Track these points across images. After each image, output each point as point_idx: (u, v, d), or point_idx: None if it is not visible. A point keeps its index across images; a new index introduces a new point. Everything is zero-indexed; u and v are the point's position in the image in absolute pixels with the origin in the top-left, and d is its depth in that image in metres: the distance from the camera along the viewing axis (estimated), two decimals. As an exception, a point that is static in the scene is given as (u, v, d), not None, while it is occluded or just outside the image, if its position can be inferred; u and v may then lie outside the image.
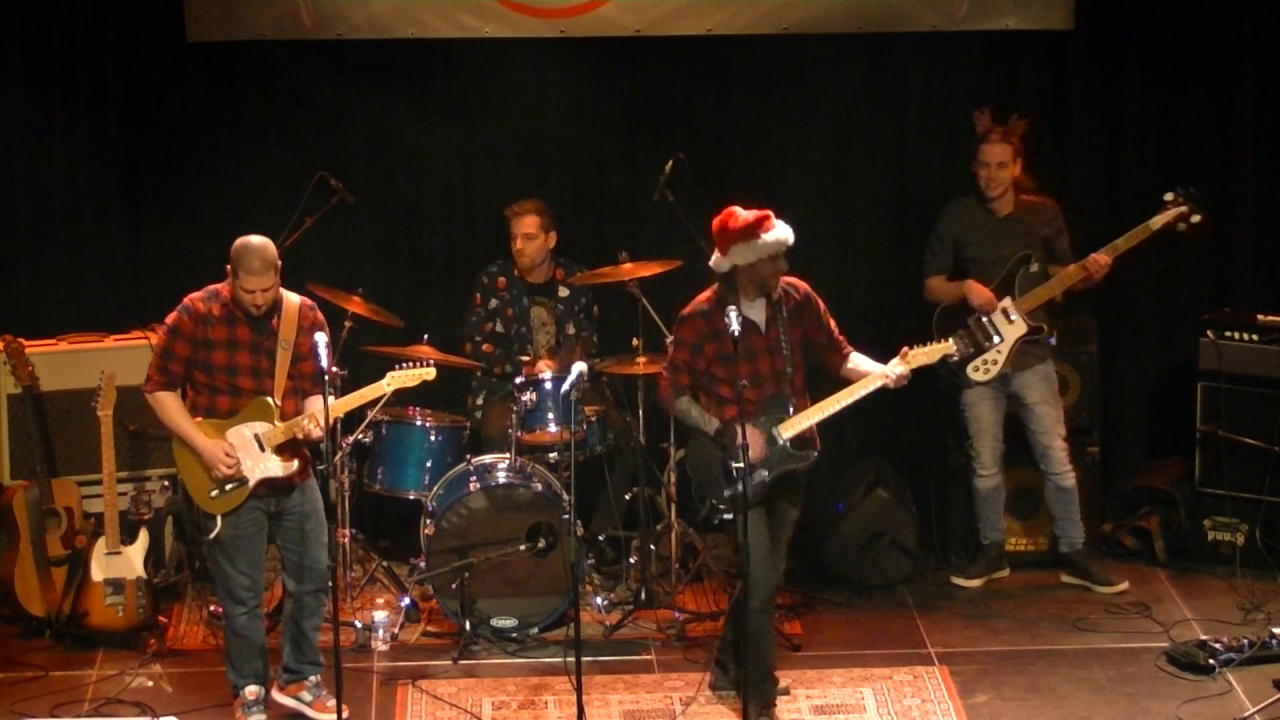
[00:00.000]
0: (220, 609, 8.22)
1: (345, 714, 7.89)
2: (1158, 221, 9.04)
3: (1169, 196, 9.08)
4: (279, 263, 7.84)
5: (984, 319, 9.16)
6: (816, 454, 7.98)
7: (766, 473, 7.86)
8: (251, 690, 8.05)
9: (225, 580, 7.95)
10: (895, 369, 7.89)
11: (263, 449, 7.86)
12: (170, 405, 7.86)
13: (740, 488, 7.60)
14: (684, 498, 9.02)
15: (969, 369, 9.20)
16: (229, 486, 7.85)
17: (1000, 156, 9.13)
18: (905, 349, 7.92)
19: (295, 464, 7.90)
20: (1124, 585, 9.33)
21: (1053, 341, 9.32)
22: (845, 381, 8.00)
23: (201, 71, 9.76)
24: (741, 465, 7.55)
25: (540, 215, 9.39)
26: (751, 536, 7.67)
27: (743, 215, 7.86)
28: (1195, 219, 9.05)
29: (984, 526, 9.47)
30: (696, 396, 7.94)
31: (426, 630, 9.01)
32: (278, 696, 8.18)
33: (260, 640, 8.07)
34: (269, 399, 7.86)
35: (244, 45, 9.68)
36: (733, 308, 7.74)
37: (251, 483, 7.86)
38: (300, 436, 7.85)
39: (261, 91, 9.83)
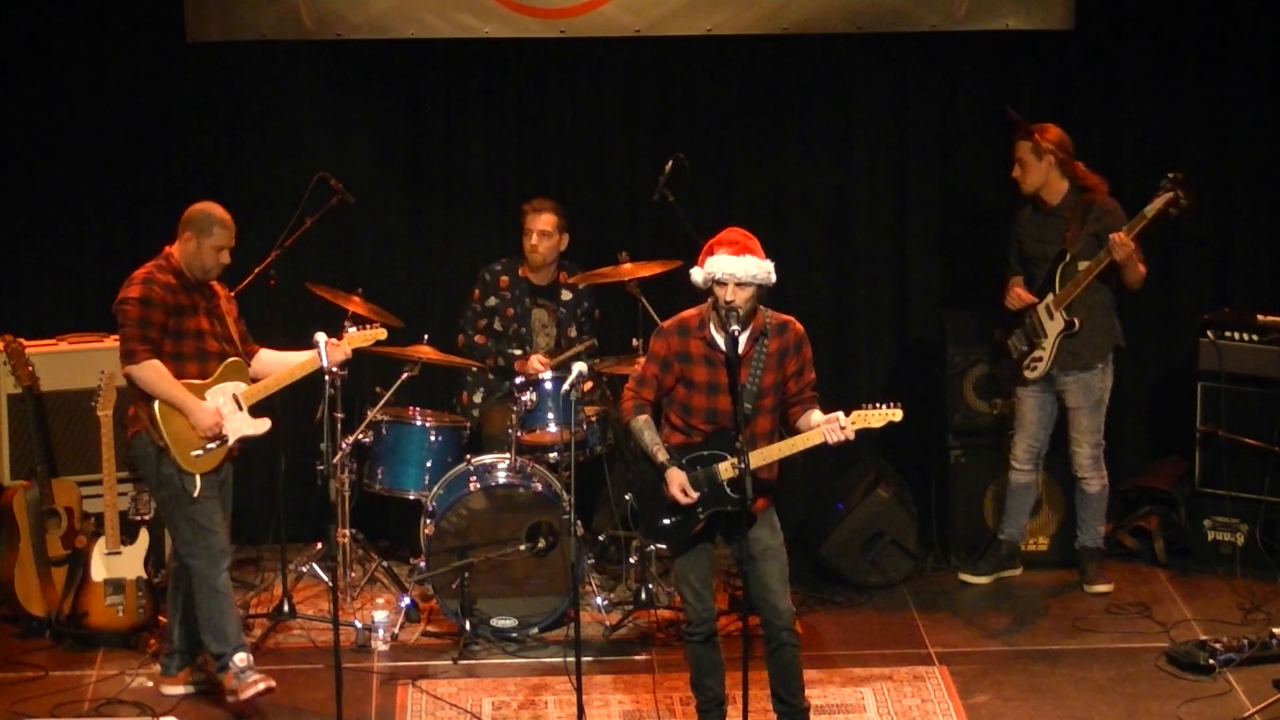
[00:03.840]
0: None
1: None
2: (1151, 209, 9.01)
3: (1162, 183, 9.04)
4: None
5: (1030, 317, 9.18)
6: (748, 503, 7.32)
7: (700, 510, 7.54)
8: (241, 657, 8.09)
9: (206, 539, 8.03)
10: (838, 433, 7.40)
11: (240, 408, 8.05)
12: (159, 370, 7.96)
13: (678, 519, 7.55)
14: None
15: (1024, 367, 9.24)
16: (210, 445, 8.00)
17: (1018, 153, 9.13)
18: (840, 413, 7.42)
19: (268, 423, 8.12)
20: (1104, 587, 9.35)
21: (1122, 344, 9.31)
22: (797, 430, 7.57)
23: (201, 71, 9.76)
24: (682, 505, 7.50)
25: (557, 215, 9.39)
26: (689, 570, 7.62)
27: (726, 235, 7.51)
28: (1184, 203, 9.02)
29: (1004, 522, 9.48)
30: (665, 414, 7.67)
31: (426, 630, 9.02)
32: (166, 689, 8.29)
33: (233, 599, 8.18)
34: (241, 360, 8.09)
35: (244, 45, 9.69)
36: (736, 326, 7.41)
37: (232, 440, 8.05)
38: (345, 356, 8.09)
39: (261, 91, 9.84)
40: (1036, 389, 9.30)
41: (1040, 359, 9.21)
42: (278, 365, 8.19)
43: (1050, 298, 9.16)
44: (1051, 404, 9.32)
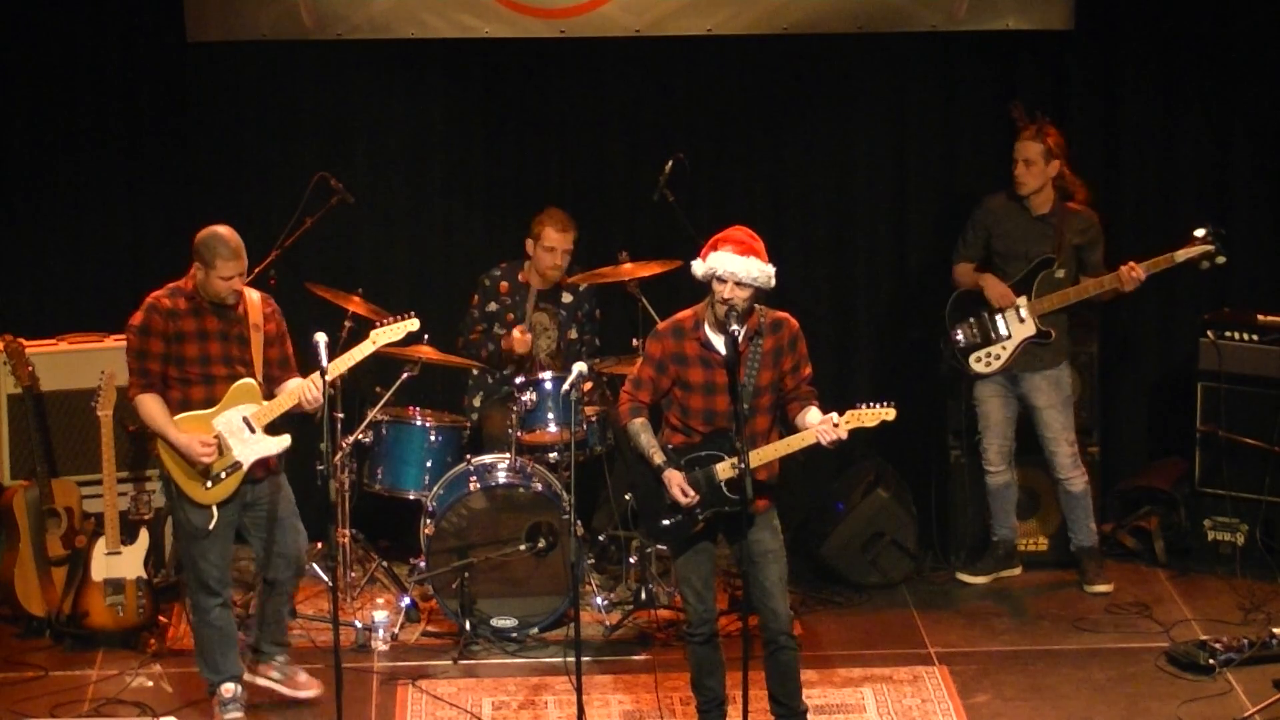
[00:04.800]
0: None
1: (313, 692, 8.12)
2: (1182, 255, 9.03)
3: (1199, 233, 9.04)
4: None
5: (988, 312, 9.17)
6: (747, 503, 7.31)
7: (698, 511, 7.54)
8: (228, 688, 8.06)
9: (198, 572, 7.98)
10: (832, 433, 7.41)
11: (253, 430, 7.91)
12: (152, 407, 7.90)
13: (678, 519, 7.55)
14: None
15: (971, 359, 9.23)
16: (223, 474, 7.88)
17: (1027, 154, 9.12)
18: (834, 413, 7.44)
19: (287, 440, 7.95)
20: (1104, 587, 9.35)
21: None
22: (796, 429, 7.57)
23: (201, 71, 9.76)
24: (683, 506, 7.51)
25: (576, 234, 9.38)
26: (690, 571, 7.63)
27: (733, 232, 7.50)
28: (1219, 260, 9.04)
29: (993, 524, 9.48)
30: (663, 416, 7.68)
31: (426, 630, 9.02)
32: (246, 676, 8.22)
33: (234, 633, 8.11)
34: (252, 380, 7.92)
35: (244, 45, 9.69)
36: (735, 327, 7.41)
37: (246, 466, 7.91)
38: (303, 402, 7.84)
39: (261, 91, 9.84)
40: (999, 389, 9.28)
41: (999, 357, 9.20)
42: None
43: (1024, 301, 9.15)
44: (1014, 403, 9.31)
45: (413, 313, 8.12)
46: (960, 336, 9.27)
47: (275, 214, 9.37)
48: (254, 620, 8.28)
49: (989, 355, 9.23)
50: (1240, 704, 8.16)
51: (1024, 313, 9.15)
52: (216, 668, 8.06)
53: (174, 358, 7.88)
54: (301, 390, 7.87)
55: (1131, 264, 9.01)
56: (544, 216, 9.37)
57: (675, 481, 7.49)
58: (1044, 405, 9.24)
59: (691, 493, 7.48)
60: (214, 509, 7.91)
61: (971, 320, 9.25)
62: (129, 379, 7.96)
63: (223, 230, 7.87)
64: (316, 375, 7.74)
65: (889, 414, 7.47)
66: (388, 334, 8.07)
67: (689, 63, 9.92)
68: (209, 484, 7.90)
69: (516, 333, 9.30)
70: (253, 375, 7.94)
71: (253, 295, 8.02)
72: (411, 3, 9.68)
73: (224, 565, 8.00)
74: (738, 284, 7.39)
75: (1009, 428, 9.35)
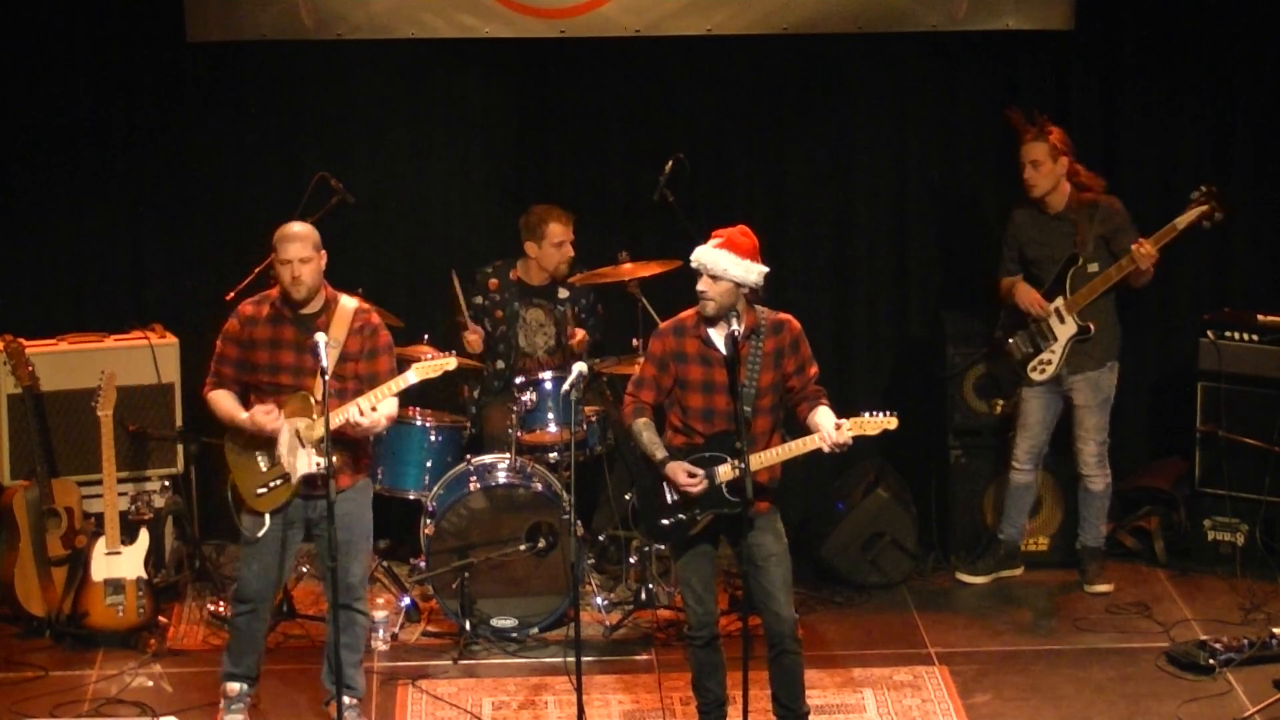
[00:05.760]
0: (220, 607, 8.34)
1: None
2: (1183, 220, 9.01)
3: (1194, 195, 9.05)
4: (320, 244, 7.78)
5: (1035, 319, 9.16)
6: (745, 506, 7.32)
7: (698, 511, 7.55)
8: (233, 687, 8.03)
9: (238, 576, 7.97)
10: (834, 438, 7.43)
11: (302, 444, 7.81)
12: (221, 399, 7.86)
13: (678, 519, 7.56)
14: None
15: (1029, 369, 9.22)
16: (275, 483, 7.80)
17: (1034, 155, 9.09)
18: (842, 420, 7.47)
19: (332, 459, 7.77)
20: (1105, 587, 9.35)
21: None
22: (807, 429, 7.57)
23: (201, 71, 9.76)
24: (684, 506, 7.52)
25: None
26: (690, 574, 7.63)
27: (728, 229, 7.51)
28: (1218, 216, 9.03)
29: (1003, 522, 9.48)
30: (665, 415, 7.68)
31: (426, 630, 9.02)
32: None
33: (256, 641, 8.04)
34: (307, 394, 7.77)
35: (244, 45, 9.69)
36: (735, 325, 7.42)
37: (295, 478, 7.79)
38: (345, 421, 7.70)
39: (261, 91, 9.84)
40: (1043, 390, 9.28)
41: (1050, 362, 9.19)
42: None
43: (1060, 301, 9.15)
44: (1057, 404, 9.31)
45: (452, 351, 8.01)
46: (1014, 350, 9.26)
47: (275, 214, 9.35)
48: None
49: (1042, 363, 9.21)
50: (1240, 704, 8.16)
51: (1064, 314, 9.15)
52: (229, 663, 8.05)
53: (248, 364, 7.84)
54: (347, 410, 7.69)
55: (1140, 240, 9.00)
56: (541, 213, 9.36)
57: (681, 469, 7.49)
58: (1081, 404, 9.24)
59: (699, 472, 7.47)
60: (266, 517, 7.82)
61: (1020, 332, 9.24)
62: (206, 377, 7.95)
63: (296, 223, 7.83)
64: (367, 397, 7.68)
65: (891, 423, 7.47)
66: (428, 370, 7.88)
67: (689, 63, 9.92)
68: (260, 490, 7.81)
69: (469, 335, 9.29)
70: (310, 388, 7.78)
71: (347, 306, 7.88)
72: (411, 3, 9.68)
73: (265, 579, 7.89)
74: (711, 277, 7.40)
75: (1045, 430, 9.33)
